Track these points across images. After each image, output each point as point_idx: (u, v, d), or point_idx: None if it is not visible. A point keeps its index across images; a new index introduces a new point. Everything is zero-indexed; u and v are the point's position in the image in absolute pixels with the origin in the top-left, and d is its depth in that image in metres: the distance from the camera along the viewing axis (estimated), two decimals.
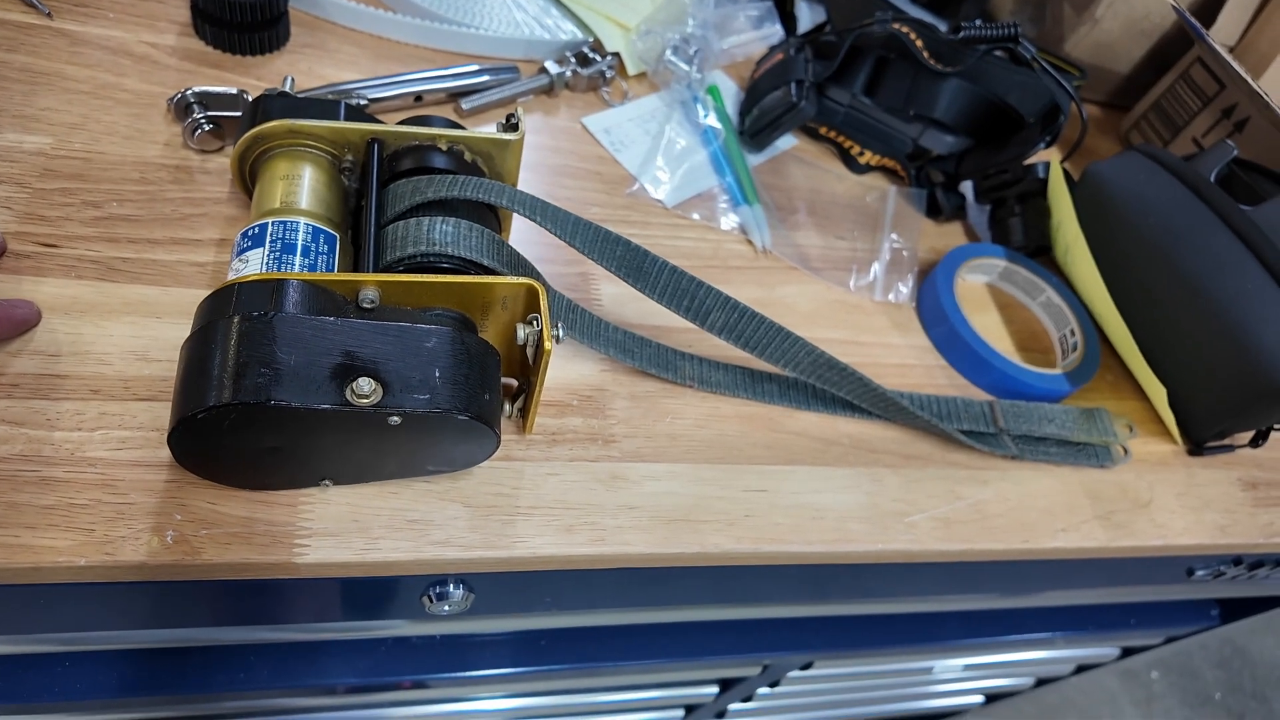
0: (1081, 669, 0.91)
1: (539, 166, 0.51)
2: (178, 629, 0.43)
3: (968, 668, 0.81)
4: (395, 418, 0.30)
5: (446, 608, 0.40)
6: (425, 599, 0.40)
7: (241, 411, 0.28)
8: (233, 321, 0.29)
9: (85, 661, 0.46)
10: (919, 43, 0.54)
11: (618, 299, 0.46)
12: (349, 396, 0.29)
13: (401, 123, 0.39)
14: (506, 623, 0.53)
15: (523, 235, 0.45)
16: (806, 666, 0.68)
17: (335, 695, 0.54)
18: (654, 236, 0.50)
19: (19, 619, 0.37)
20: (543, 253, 0.45)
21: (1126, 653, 0.85)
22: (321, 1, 0.51)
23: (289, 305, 0.30)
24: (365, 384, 0.29)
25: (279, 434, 0.30)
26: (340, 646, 0.52)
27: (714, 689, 0.71)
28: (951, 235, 0.58)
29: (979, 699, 0.99)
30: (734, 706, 0.77)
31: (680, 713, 0.77)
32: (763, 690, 0.73)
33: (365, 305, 0.32)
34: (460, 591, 0.39)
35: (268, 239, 0.34)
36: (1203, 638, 0.81)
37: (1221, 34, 0.66)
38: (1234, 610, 0.78)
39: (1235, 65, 0.61)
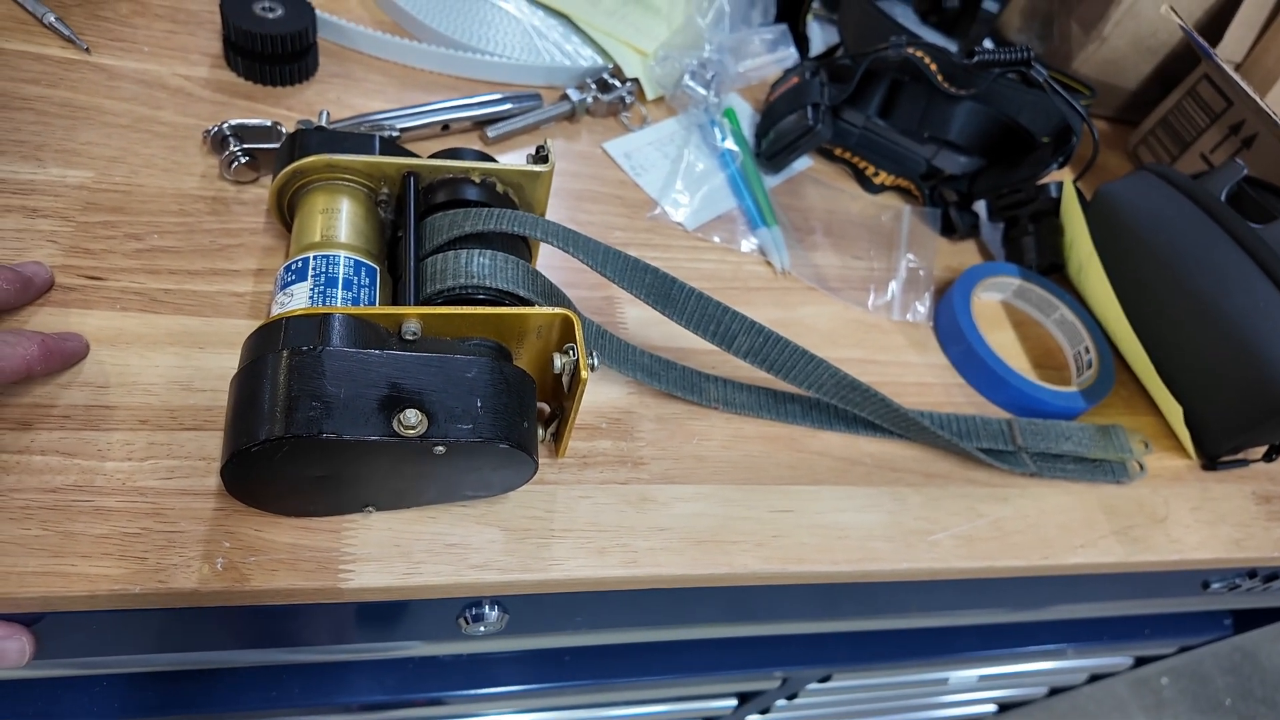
0: (1095, 678, 0.91)
1: (562, 192, 0.52)
2: (216, 651, 0.44)
3: (983, 679, 0.81)
4: (440, 447, 0.31)
5: (482, 628, 0.40)
6: (461, 620, 0.41)
7: (293, 444, 0.29)
8: (282, 356, 0.30)
9: (122, 683, 0.47)
10: (933, 66, 0.55)
11: (642, 322, 0.46)
12: (396, 427, 0.30)
13: (434, 155, 0.40)
14: (534, 641, 0.54)
15: (550, 261, 0.46)
16: (825, 679, 0.69)
17: (352, 713, 0.55)
18: (675, 259, 0.51)
19: (66, 643, 0.38)
20: (569, 277, 0.46)
21: (1140, 662, 0.86)
22: (349, 31, 0.53)
23: (335, 339, 0.31)
24: (412, 415, 0.30)
25: (327, 464, 0.31)
26: (370, 664, 0.53)
27: (732, 702, 0.72)
28: (966, 254, 0.59)
29: (992, 708, 1.00)
30: (751, 719, 0.78)
31: None
32: (780, 702, 0.74)
33: (408, 337, 0.33)
34: (496, 613, 0.40)
35: (310, 273, 0.35)
36: (1213, 645, 0.81)
37: (1227, 51, 0.67)
38: (1248, 620, 0.78)
39: (1241, 83, 0.62)
